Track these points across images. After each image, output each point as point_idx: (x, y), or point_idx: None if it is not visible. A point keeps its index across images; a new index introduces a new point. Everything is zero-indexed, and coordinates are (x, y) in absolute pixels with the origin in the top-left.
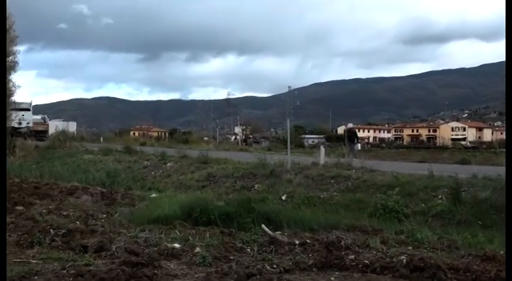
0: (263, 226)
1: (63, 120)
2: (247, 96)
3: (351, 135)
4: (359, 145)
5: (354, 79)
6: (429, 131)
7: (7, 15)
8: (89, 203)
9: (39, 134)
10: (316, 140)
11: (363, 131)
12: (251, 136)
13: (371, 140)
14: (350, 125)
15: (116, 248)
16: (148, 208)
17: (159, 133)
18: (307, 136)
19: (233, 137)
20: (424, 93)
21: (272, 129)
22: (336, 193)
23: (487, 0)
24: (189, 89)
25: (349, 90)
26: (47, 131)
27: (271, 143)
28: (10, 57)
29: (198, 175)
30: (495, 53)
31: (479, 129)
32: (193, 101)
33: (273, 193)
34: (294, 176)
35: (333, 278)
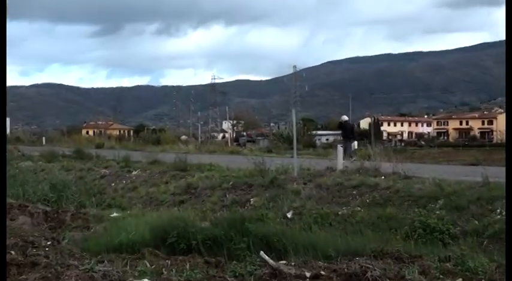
0: (262, 253)
1: None
2: (239, 80)
3: (347, 131)
4: (356, 142)
5: (381, 55)
6: (483, 124)
7: None
8: (27, 227)
9: None
10: (331, 138)
11: (394, 125)
12: (244, 134)
13: (405, 136)
14: (345, 118)
15: None
16: (108, 231)
17: (122, 131)
18: (320, 132)
19: (220, 135)
20: (476, 72)
21: (273, 124)
22: (359, 208)
23: None
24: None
25: (375, 70)
26: None
27: (272, 142)
28: None
29: (174, 186)
30: None
31: None
32: (166, 88)
33: (274, 209)
34: (303, 186)
35: None
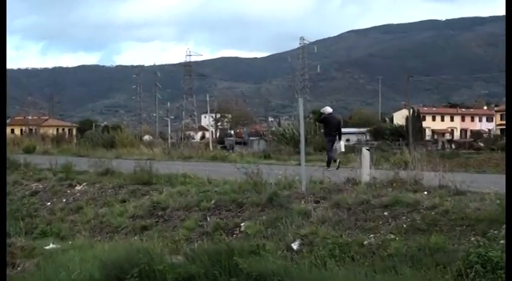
0: None
1: None
2: (225, 58)
3: (330, 127)
4: (342, 143)
5: (423, 23)
6: None
7: None
8: None
9: None
10: (353, 137)
11: (441, 120)
12: (232, 132)
13: (457, 135)
14: (328, 110)
15: None
16: (42, 270)
17: (61, 130)
18: None
19: (199, 135)
20: None
21: (271, 119)
22: (392, 236)
23: None
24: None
25: (415, 43)
26: None
27: (270, 144)
28: None
29: (134, 206)
30: None
31: None
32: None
33: (274, 238)
34: (314, 205)
35: None
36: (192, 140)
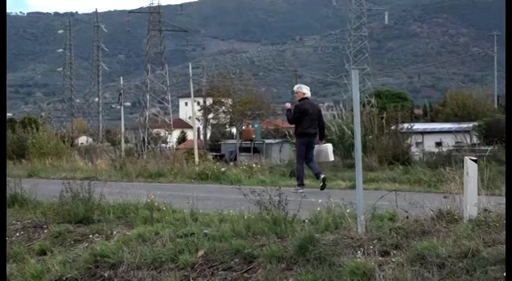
0: None
1: None
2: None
3: (306, 119)
4: (329, 146)
5: None
6: None
7: None
8: None
9: None
10: (449, 139)
11: None
12: (233, 130)
13: None
14: (303, 91)
15: None
16: None
17: None
18: (425, 127)
19: (175, 135)
20: None
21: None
22: None
23: None
24: None
25: None
26: None
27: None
28: None
29: (61, 261)
30: None
31: None
32: (41, 19)
33: None
34: (380, 259)
35: None
36: (164, 145)
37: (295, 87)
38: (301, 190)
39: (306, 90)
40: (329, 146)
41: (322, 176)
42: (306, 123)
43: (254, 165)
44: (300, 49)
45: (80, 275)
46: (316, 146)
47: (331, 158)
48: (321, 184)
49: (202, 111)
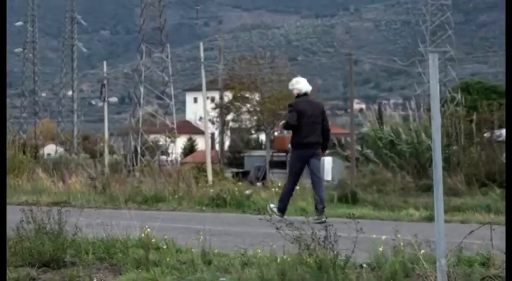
0: None
1: None
2: None
3: (305, 124)
4: (329, 160)
5: None
6: None
7: None
8: None
9: None
10: None
11: None
12: (261, 137)
13: None
14: (301, 86)
15: None
16: None
17: None
18: None
19: (180, 144)
20: None
21: (360, 105)
22: None
23: None
24: None
25: None
26: None
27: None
28: None
29: None
30: None
31: None
32: None
33: None
34: None
35: None
36: (164, 158)
37: (292, 83)
38: (279, 216)
39: (303, 85)
40: (327, 161)
41: (322, 207)
42: (305, 130)
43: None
44: (356, 24)
45: None
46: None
47: (328, 176)
48: (321, 217)
49: (218, 110)
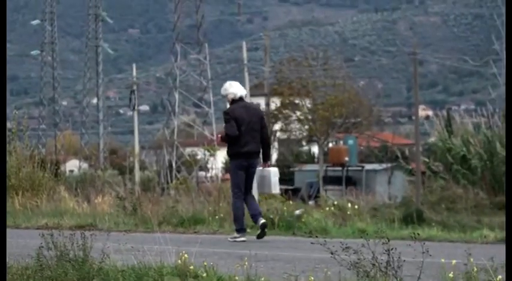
0: None
1: None
2: None
3: (242, 132)
4: (274, 171)
5: None
6: None
7: None
8: None
9: None
10: None
11: None
12: (313, 149)
13: None
14: (234, 90)
15: None
16: None
17: None
18: None
19: (220, 158)
20: None
21: (427, 112)
22: None
23: None
24: None
25: None
26: None
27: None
28: None
29: None
30: None
31: None
32: None
33: None
34: None
35: None
36: (203, 173)
37: (224, 89)
38: (240, 238)
39: (237, 89)
40: (273, 172)
41: (262, 221)
42: (243, 138)
43: (348, 205)
44: (421, 19)
45: None
46: (257, 170)
47: (276, 189)
48: (259, 232)
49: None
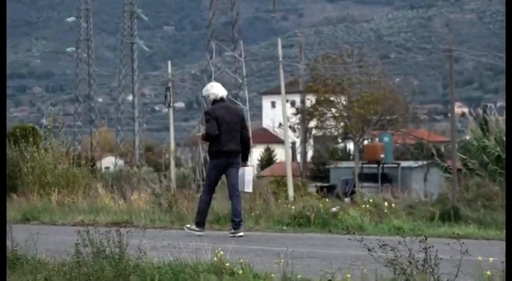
0: None
1: None
2: None
3: (223, 131)
4: (250, 170)
5: None
6: None
7: None
8: None
9: None
10: None
11: None
12: (349, 146)
13: None
14: (216, 91)
15: None
16: None
17: None
18: None
19: (257, 153)
20: None
21: (463, 109)
22: None
23: None
24: None
25: None
26: None
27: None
28: None
29: None
30: None
31: None
32: None
33: None
34: None
35: None
36: None
37: (206, 90)
38: (198, 232)
39: (218, 89)
40: (247, 171)
41: (239, 221)
42: (224, 138)
43: (385, 202)
44: (457, 15)
45: None
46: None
47: (248, 188)
48: (234, 231)
49: (299, 116)
